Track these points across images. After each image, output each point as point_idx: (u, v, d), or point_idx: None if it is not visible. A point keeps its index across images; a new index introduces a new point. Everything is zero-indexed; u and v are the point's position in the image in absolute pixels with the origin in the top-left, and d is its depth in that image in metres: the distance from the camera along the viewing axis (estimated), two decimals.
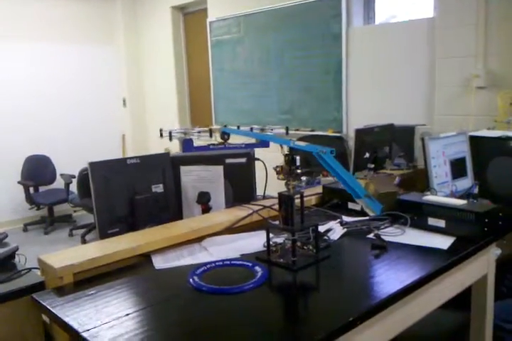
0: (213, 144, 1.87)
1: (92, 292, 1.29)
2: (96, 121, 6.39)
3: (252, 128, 2.07)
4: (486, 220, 1.58)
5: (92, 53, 6.30)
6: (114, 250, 1.46)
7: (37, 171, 5.71)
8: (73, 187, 5.10)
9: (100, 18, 6.35)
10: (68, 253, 1.46)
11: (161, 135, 2.04)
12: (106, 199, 1.77)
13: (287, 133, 2.04)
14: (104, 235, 1.72)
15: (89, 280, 1.37)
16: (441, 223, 1.66)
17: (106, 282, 1.35)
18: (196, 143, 2.26)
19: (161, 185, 1.93)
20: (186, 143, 1.85)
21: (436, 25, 3.52)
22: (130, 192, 1.82)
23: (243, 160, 2.13)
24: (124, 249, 1.48)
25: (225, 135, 1.79)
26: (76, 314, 1.16)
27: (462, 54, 3.35)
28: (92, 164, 1.74)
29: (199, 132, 1.95)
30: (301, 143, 1.43)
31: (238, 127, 2.11)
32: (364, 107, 4.17)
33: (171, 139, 1.91)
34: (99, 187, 1.75)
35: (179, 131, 1.94)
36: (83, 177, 4.43)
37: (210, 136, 1.94)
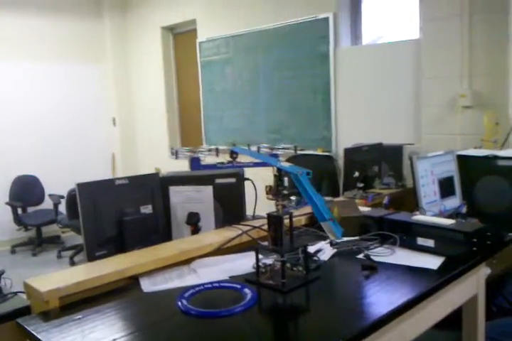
0: (222, 163, 1.86)
1: (78, 316, 1.26)
2: (85, 141, 6.38)
3: (259, 148, 2.07)
4: (475, 240, 1.58)
5: (82, 72, 6.33)
6: (101, 273, 1.44)
7: (25, 192, 5.66)
8: (62, 207, 5.05)
9: (89, 37, 6.40)
10: (54, 277, 1.44)
11: (172, 153, 2.04)
12: (94, 221, 1.75)
13: (296, 151, 2.02)
14: (91, 257, 1.70)
15: (75, 304, 1.35)
16: (430, 243, 1.66)
17: (93, 306, 1.33)
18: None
19: (149, 206, 1.92)
20: (194, 162, 1.85)
21: (421, 46, 3.58)
22: (118, 214, 1.81)
23: (233, 180, 2.13)
24: (112, 271, 1.46)
25: (233, 154, 1.79)
26: (62, 339, 1.14)
27: (448, 74, 3.41)
28: (79, 185, 1.73)
29: (209, 150, 1.96)
30: (286, 164, 1.44)
31: (248, 146, 2.09)
32: (353, 126, 4.20)
33: (177, 157, 1.91)
34: (87, 208, 1.73)
35: (187, 149, 1.95)
36: (72, 198, 4.40)
37: (217, 154, 1.94)
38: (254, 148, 2.07)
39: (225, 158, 1.90)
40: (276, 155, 1.90)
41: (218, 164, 1.86)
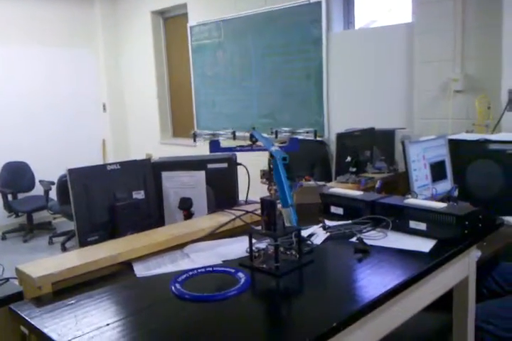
0: (241, 146, 1.87)
1: (71, 302, 1.26)
2: (76, 127, 6.33)
3: (276, 131, 2.05)
4: (466, 223, 1.59)
5: (71, 58, 6.24)
6: (94, 258, 1.44)
7: (15, 178, 5.62)
8: (53, 193, 5.02)
9: (79, 22, 6.30)
10: (47, 262, 1.43)
11: (191, 137, 2.03)
12: (85, 207, 1.74)
13: (315, 137, 1.99)
14: (83, 243, 1.69)
15: (68, 289, 1.35)
16: (422, 226, 1.67)
17: (86, 291, 1.32)
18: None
19: (142, 192, 1.91)
20: (214, 144, 1.85)
21: (414, 31, 3.56)
22: (110, 199, 1.80)
23: (225, 165, 2.12)
24: (105, 257, 1.46)
25: (252, 137, 1.80)
26: (55, 325, 1.14)
27: (440, 58, 3.40)
28: (71, 171, 1.72)
29: (232, 133, 1.95)
30: (276, 148, 1.43)
31: (271, 130, 2.07)
32: (345, 111, 4.20)
33: (195, 140, 1.91)
34: (78, 194, 1.72)
35: (207, 132, 1.95)
36: (63, 184, 4.37)
37: (234, 138, 1.94)
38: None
39: (245, 142, 1.90)
40: (297, 140, 1.88)
41: (238, 147, 1.85)
